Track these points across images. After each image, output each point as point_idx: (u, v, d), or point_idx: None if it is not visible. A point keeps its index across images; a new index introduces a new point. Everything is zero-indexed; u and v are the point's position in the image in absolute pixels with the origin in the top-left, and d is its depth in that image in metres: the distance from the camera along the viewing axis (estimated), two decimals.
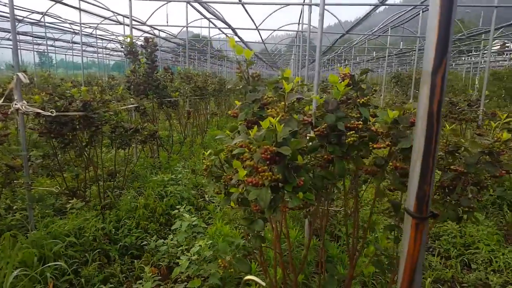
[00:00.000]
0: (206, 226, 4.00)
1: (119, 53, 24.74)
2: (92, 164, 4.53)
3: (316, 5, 4.95)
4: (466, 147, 1.54)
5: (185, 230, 3.16)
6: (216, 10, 10.62)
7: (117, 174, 5.44)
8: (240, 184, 1.73)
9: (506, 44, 25.14)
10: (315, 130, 1.62)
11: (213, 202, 5.05)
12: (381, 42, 19.19)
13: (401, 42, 17.16)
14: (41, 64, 34.70)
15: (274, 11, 11.54)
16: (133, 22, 11.41)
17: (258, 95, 1.69)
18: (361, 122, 1.57)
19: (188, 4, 9.11)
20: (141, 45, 5.81)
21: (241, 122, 1.74)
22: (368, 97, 1.68)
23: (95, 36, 16.69)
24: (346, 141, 1.52)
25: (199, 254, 2.94)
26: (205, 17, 11.37)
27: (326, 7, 10.42)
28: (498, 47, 25.90)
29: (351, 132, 1.51)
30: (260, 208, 1.52)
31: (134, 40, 5.78)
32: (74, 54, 23.83)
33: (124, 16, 11.00)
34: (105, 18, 11.91)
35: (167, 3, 10.12)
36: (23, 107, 3.63)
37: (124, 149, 4.85)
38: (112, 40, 19.23)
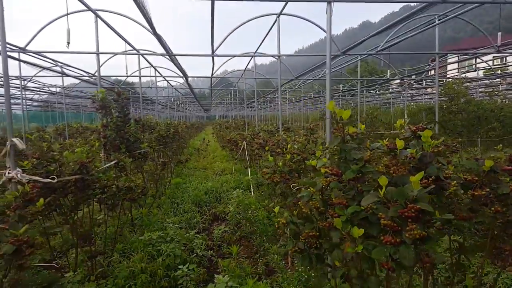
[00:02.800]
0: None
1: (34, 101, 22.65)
2: (78, 228, 4.11)
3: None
4: None
5: None
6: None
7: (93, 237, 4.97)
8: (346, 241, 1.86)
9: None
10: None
11: (227, 257, 4.87)
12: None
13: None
14: None
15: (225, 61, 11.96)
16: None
17: (361, 153, 1.89)
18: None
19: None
20: (112, 98, 5.61)
21: (348, 177, 1.89)
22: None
23: None
24: (449, 190, 1.78)
25: None
26: (152, 66, 11.32)
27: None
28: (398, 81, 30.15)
29: (454, 182, 1.78)
30: (390, 266, 1.64)
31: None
32: None
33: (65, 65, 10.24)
34: None
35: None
36: (18, 175, 3.25)
37: (114, 210, 4.51)
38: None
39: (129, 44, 7.56)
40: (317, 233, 2.12)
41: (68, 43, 4.51)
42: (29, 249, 2.13)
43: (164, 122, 8.95)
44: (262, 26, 6.88)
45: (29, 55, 7.36)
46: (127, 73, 8.44)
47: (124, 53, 7.27)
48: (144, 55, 9.04)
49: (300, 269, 3.77)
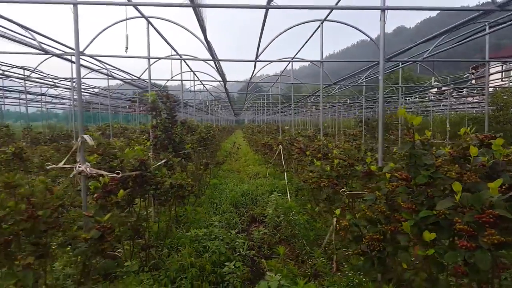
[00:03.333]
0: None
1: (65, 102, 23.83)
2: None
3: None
4: None
5: None
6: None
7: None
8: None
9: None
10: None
11: (270, 258, 5.00)
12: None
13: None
14: None
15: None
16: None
17: (432, 159, 1.96)
18: None
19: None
20: (161, 100, 5.91)
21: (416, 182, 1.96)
22: None
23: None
24: None
25: None
26: (191, 70, 11.68)
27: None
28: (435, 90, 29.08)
29: None
30: (463, 270, 1.69)
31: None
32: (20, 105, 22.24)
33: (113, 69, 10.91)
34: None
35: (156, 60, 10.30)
36: (87, 169, 3.53)
37: (165, 205, 4.76)
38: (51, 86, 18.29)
39: (173, 49, 7.91)
40: (381, 236, 2.18)
41: (127, 48, 4.82)
42: (111, 235, 2.34)
43: (204, 125, 9.23)
44: (294, 32, 6.95)
45: (84, 59, 7.86)
46: (171, 77, 8.80)
47: (169, 57, 7.62)
48: (186, 60, 9.38)
49: (350, 273, 3.81)
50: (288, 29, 6.87)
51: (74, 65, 8.79)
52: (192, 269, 4.23)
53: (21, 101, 21.07)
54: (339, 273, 4.17)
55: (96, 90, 17.74)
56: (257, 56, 6.97)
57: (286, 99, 23.53)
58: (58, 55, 6.75)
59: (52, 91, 17.47)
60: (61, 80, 14.11)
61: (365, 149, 5.37)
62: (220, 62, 8.22)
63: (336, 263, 4.42)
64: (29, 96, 17.58)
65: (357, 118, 18.59)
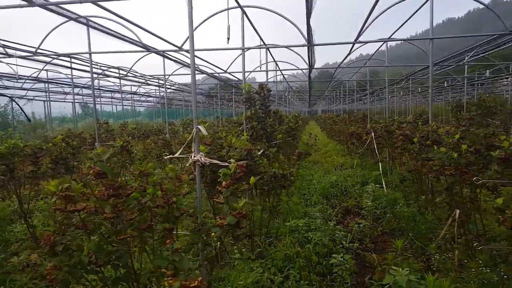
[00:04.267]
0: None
1: (150, 99, 25.63)
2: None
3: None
4: None
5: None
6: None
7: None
8: None
9: None
10: None
11: (376, 252, 4.74)
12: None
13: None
14: (84, 115, 37.64)
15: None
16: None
17: None
18: None
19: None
20: (256, 91, 5.91)
21: None
22: None
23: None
24: None
25: None
26: (274, 60, 11.62)
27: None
28: None
29: None
30: None
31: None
32: (113, 104, 24.65)
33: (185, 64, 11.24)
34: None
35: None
36: (202, 158, 3.62)
37: (267, 195, 4.75)
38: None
39: (261, 39, 7.89)
40: None
41: (228, 39, 4.87)
42: (245, 222, 2.32)
43: (291, 115, 9.12)
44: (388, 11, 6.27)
45: (181, 53, 8.25)
46: (260, 67, 8.84)
47: (259, 47, 7.60)
48: (270, 48, 9.32)
49: (485, 270, 3.35)
50: (391, 7, 6.31)
51: (166, 60, 9.34)
52: (299, 259, 4.15)
53: (113, 100, 23.45)
54: (462, 270, 3.73)
55: (180, 85, 18.81)
56: (358, 37, 6.51)
57: (360, 86, 22.26)
58: (157, 52, 7.17)
59: (141, 89, 18.95)
60: (150, 79, 15.23)
61: (484, 134, 4.70)
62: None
63: (458, 260, 3.95)
64: (119, 95, 19.43)
65: (451, 103, 16.76)
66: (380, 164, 8.05)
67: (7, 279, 3.71)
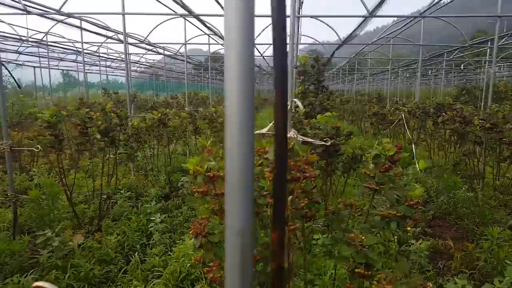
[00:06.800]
0: None
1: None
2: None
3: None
4: None
5: None
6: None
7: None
8: None
9: None
10: None
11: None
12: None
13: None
14: (65, 84, 35.38)
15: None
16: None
17: None
18: None
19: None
20: (311, 64, 5.50)
21: None
22: None
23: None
24: None
25: None
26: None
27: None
28: None
29: None
30: None
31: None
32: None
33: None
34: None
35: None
36: (296, 135, 3.27)
37: (345, 176, 4.44)
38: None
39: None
40: None
41: None
42: None
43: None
44: None
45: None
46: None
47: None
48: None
49: None
50: None
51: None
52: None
53: (122, 71, 22.02)
54: None
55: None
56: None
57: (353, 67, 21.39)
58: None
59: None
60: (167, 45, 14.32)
61: None
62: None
63: None
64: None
65: (458, 86, 16.71)
66: (414, 146, 7.86)
67: (68, 265, 3.31)
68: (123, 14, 5.89)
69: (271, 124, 3.50)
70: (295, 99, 3.24)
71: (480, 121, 5.22)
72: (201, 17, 6.64)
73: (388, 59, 13.56)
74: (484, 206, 4.86)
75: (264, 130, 3.47)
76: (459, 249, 4.08)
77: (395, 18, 10.07)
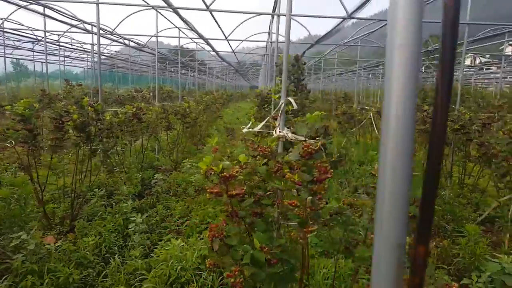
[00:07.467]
0: None
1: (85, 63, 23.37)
2: None
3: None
4: None
5: None
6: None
7: None
8: None
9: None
10: None
11: None
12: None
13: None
14: (16, 74, 32.54)
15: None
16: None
17: None
18: None
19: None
20: (292, 63, 5.50)
21: None
22: None
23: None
24: None
25: None
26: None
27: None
28: (469, 61, 26.76)
29: None
30: None
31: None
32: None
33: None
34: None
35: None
36: (288, 134, 3.25)
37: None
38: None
39: None
40: None
41: None
42: None
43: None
44: None
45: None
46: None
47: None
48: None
49: None
50: None
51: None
52: None
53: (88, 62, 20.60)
54: None
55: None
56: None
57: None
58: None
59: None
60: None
61: None
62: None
63: (508, 241, 4.13)
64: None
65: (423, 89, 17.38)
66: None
67: (44, 269, 3.05)
68: (97, 4, 5.54)
69: (264, 122, 3.46)
70: (289, 98, 3.22)
71: (448, 122, 5.52)
72: (178, 10, 6.42)
73: (356, 60, 14.02)
74: (453, 204, 5.15)
75: (257, 128, 3.42)
76: (434, 246, 4.30)
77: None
